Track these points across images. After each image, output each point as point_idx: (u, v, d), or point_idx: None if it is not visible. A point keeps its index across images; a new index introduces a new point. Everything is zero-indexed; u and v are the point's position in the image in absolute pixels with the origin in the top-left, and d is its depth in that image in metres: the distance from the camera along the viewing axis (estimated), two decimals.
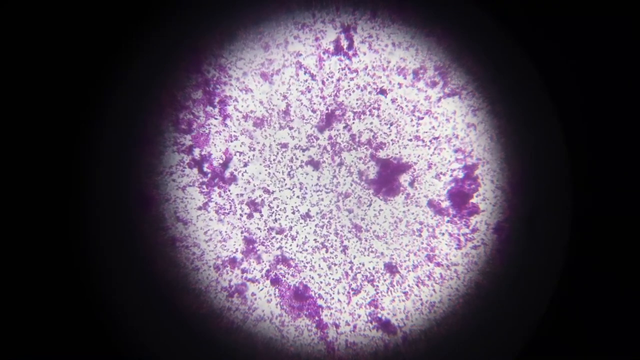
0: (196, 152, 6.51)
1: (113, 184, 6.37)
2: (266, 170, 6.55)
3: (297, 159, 6.53)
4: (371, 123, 6.48)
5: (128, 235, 6.53)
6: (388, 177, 6.47)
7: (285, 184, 6.56)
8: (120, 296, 6.57)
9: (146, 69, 6.27)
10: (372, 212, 6.55)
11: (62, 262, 6.28)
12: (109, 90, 6.11)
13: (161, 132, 6.49)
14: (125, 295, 6.56)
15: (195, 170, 6.53)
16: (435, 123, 6.40)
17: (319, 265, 6.57)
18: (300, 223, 6.53)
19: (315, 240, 6.56)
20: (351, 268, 6.57)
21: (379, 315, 6.38)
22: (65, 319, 6.06)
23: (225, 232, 6.57)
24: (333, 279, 6.56)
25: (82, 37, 6.05)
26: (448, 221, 6.43)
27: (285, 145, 6.51)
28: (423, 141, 6.40)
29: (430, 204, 6.47)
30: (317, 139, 6.52)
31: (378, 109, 6.43)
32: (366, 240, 6.54)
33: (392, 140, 6.45)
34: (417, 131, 6.40)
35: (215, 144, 6.53)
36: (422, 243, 6.48)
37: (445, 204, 6.45)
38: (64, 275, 6.29)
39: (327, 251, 6.54)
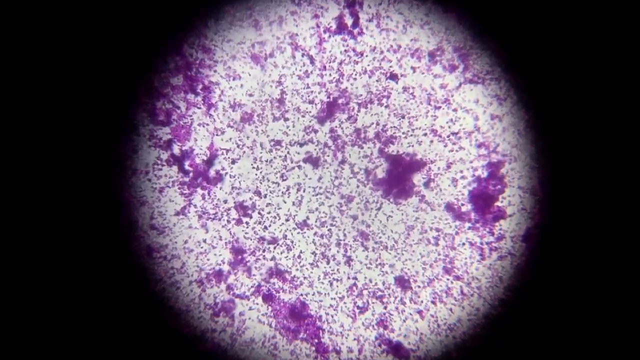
0: (176, 147, 6.70)
1: (77, 185, 6.50)
2: (257, 168, 6.66)
3: (293, 156, 6.67)
4: (380, 114, 6.61)
5: (96, 246, 6.56)
6: (399, 177, 6.60)
7: (280, 185, 6.70)
8: (88, 313, 6.63)
9: (116, 49, 6.37)
10: (380, 217, 6.68)
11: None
12: (71, 72, 6.28)
13: (135, 124, 6.67)
14: (94, 312, 6.63)
15: (174, 168, 6.72)
16: (454, 114, 6.54)
17: (319, 280, 6.74)
18: (297, 230, 6.69)
19: (314, 250, 6.72)
20: (356, 283, 6.74)
21: (389, 337, 6.57)
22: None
23: (210, 240, 6.75)
24: (335, 295, 6.74)
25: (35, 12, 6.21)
26: (469, 228, 6.60)
27: (279, 140, 6.65)
28: (440, 135, 6.53)
29: (449, 207, 6.62)
30: (317, 132, 6.65)
31: (388, 97, 6.56)
32: (374, 251, 6.69)
33: (404, 133, 6.56)
34: (433, 123, 6.52)
35: (197, 138, 6.67)
36: (439, 253, 6.62)
37: (466, 207, 6.60)
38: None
39: (328, 263, 6.71)
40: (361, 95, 6.66)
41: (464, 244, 6.70)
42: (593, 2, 6.11)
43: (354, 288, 6.82)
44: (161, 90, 6.62)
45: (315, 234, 6.85)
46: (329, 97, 6.66)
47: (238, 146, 6.81)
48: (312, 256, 6.86)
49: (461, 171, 6.66)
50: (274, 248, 6.91)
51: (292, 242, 6.90)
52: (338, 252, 6.85)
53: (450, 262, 6.71)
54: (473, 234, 6.69)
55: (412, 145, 6.69)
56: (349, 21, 6.39)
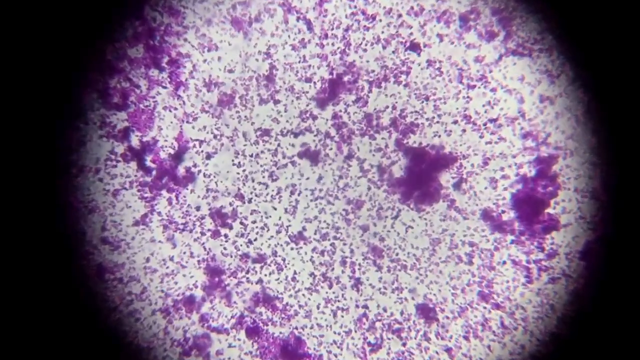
0: (134, 138, 6.37)
1: (7, 186, 6.13)
2: (239, 165, 6.40)
3: (285, 149, 6.42)
4: (397, 95, 6.21)
5: (31, 265, 6.17)
6: (422, 176, 6.27)
7: (268, 187, 6.42)
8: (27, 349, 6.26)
9: (56, 9, 6.05)
10: (398, 228, 6.36)
11: None
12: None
13: (82, 108, 6.31)
14: (31, 350, 6.22)
15: (132, 165, 6.40)
16: (492, 95, 6.17)
17: (319, 309, 6.47)
18: (291, 245, 6.47)
19: (313, 271, 6.50)
20: (367, 313, 6.43)
21: None
22: None
23: (178, 258, 6.51)
24: (340, 328, 6.47)
25: None
26: (512, 242, 6.24)
27: (267, 129, 6.37)
28: (475, 122, 6.17)
29: (486, 215, 6.24)
30: (316, 119, 6.29)
31: (407, 73, 6.17)
32: (389, 271, 6.40)
33: (428, 120, 6.20)
34: (465, 107, 6.18)
35: (162, 127, 6.37)
36: (474, 275, 6.30)
37: (509, 215, 6.22)
38: None
39: (330, 287, 6.43)
40: (373, 71, 6.31)
41: (505, 262, 6.35)
42: None
43: (364, 319, 6.45)
44: (116, 64, 6.26)
45: (314, 249, 6.52)
46: (331, 74, 6.29)
47: (215, 137, 6.45)
48: (310, 278, 6.57)
49: (502, 169, 6.28)
50: (261, 268, 6.55)
51: (284, 260, 6.55)
52: (343, 273, 6.49)
53: (488, 286, 6.36)
54: (517, 250, 6.33)
55: (439, 136, 6.32)
56: None
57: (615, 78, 6.03)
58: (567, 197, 6.20)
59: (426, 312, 6.33)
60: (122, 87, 6.30)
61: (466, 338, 6.29)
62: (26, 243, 6.14)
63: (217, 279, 6.52)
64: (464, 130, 6.27)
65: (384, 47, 6.19)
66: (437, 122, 6.29)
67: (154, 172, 6.48)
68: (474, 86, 6.21)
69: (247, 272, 6.54)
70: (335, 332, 6.42)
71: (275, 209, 6.49)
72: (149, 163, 6.46)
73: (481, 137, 6.27)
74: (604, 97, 6.07)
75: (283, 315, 6.42)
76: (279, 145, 6.42)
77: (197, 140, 6.45)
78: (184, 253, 6.54)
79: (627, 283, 6.08)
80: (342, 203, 6.47)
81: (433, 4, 6.11)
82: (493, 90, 6.20)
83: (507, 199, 6.31)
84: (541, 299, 6.26)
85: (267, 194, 6.49)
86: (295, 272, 6.55)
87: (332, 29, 6.17)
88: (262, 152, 6.44)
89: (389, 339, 6.35)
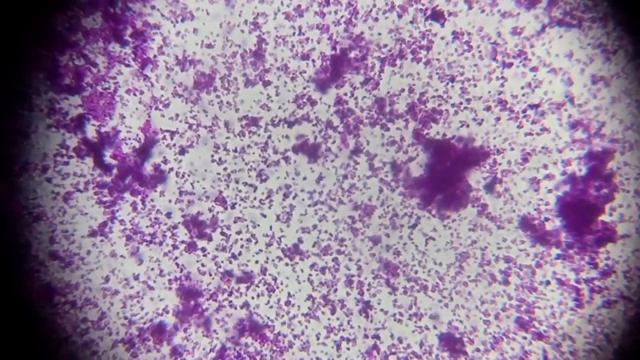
0: (90, 128, 5.99)
1: None
2: (220, 162, 6.10)
3: (277, 142, 6.15)
4: (416, 75, 5.86)
5: None
6: (446, 176, 5.97)
7: (256, 190, 6.13)
8: None
9: None
10: (416, 240, 6.07)
11: None
12: None
13: (25, 92, 5.93)
14: None
15: (88, 161, 6.02)
16: (533, 76, 5.82)
17: (319, 339, 6.13)
18: (284, 261, 6.19)
19: (311, 293, 6.19)
20: (377, 344, 6.10)
21: None
22: None
23: (145, 277, 6.20)
24: None
25: None
26: (558, 256, 5.87)
27: (255, 117, 6.05)
28: (512, 109, 5.84)
29: (526, 224, 5.89)
30: (315, 104, 5.97)
31: (428, 49, 5.81)
32: (406, 293, 6.07)
33: (453, 106, 5.87)
34: (500, 91, 5.84)
35: (125, 114, 6.03)
36: (510, 298, 5.95)
37: (553, 224, 5.88)
38: None
39: (333, 313, 6.08)
40: (385, 45, 5.94)
41: (549, 282, 6.00)
42: None
43: (375, 353, 6.08)
44: (67, 36, 5.83)
45: (312, 266, 6.16)
46: (334, 49, 5.91)
47: (190, 127, 6.09)
48: (307, 302, 6.21)
49: (545, 166, 5.94)
50: (248, 289, 6.18)
51: (275, 279, 6.20)
52: (349, 295, 6.12)
53: (528, 312, 5.97)
54: (564, 266, 5.96)
55: (467, 126, 5.97)
56: None
57: None
58: (625, 202, 5.91)
59: (451, 343, 6.02)
60: (75, 65, 5.91)
61: None
62: None
63: (192, 303, 6.18)
64: (498, 119, 5.96)
65: (399, 16, 5.85)
66: (465, 108, 5.97)
67: (114, 171, 6.13)
68: (511, 64, 5.89)
69: (230, 294, 6.18)
70: None
71: (264, 216, 6.15)
72: (108, 159, 6.11)
73: (519, 127, 5.96)
74: None
75: (274, 348, 6.10)
76: (269, 137, 6.09)
77: (168, 131, 6.09)
78: (152, 270, 6.21)
79: None
80: (347, 209, 6.14)
81: None
82: (534, 69, 5.86)
83: (551, 203, 6.02)
84: (594, 327, 5.94)
85: (255, 198, 6.12)
86: (289, 294, 6.25)
87: None
88: (248, 145, 6.10)
89: None
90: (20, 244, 6.20)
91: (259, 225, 6.27)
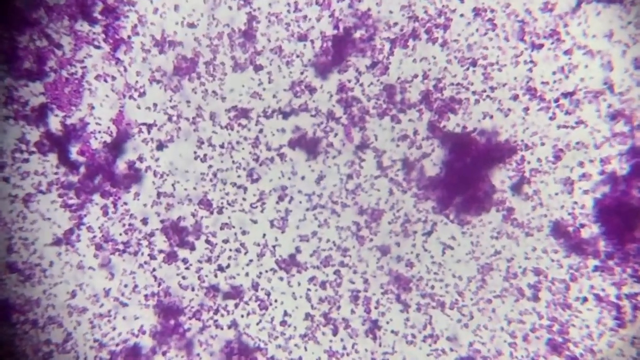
0: (54, 119, 5.66)
1: None
2: (204, 159, 5.78)
3: (270, 136, 5.82)
4: (431, 58, 5.52)
5: None
6: (467, 175, 5.62)
7: (247, 191, 5.81)
8: None
9: None
10: (432, 249, 5.74)
11: None
12: None
13: None
14: None
15: (51, 158, 5.70)
16: (567, 59, 5.44)
17: None
18: (279, 274, 5.86)
19: (309, 311, 5.83)
20: None
21: None
22: None
23: (117, 292, 5.86)
24: None
25: None
26: (596, 268, 5.51)
27: (245, 108, 5.73)
28: (542, 97, 5.50)
29: (558, 231, 5.52)
30: (314, 92, 5.65)
31: (445, 28, 5.48)
32: (419, 310, 5.70)
33: (475, 94, 5.52)
34: (529, 76, 5.50)
35: (95, 104, 5.69)
36: (540, 316, 5.59)
37: (590, 230, 5.52)
38: None
39: (335, 333, 5.72)
40: (396, 24, 5.62)
41: (585, 299, 5.61)
42: None
43: None
44: (27, 14, 5.59)
45: (311, 280, 5.82)
46: (336, 28, 5.61)
47: (170, 119, 5.75)
48: (306, 321, 5.86)
49: (580, 164, 5.58)
50: (236, 306, 5.85)
51: (268, 295, 5.86)
52: (354, 313, 5.78)
53: (561, 332, 5.60)
54: (602, 280, 5.59)
55: (491, 117, 5.60)
56: None
57: None
58: None
59: None
60: (37, 46, 5.64)
61: None
62: None
63: (172, 322, 5.91)
64: (526, 109, 5.60)
65: None
66: (488, 97, 5.62)
67: (82, 169, 5.83)
68: (541, 46, 5.55)
69: (216, 312, 5.88)
70: None
71: (256, 222, 5.86)
72: (75, 156, 5.81)
73: (551, 118, 5.60)
74: None
75: None
76: (261, 131, 5.78)
77: (144, 123, 5.81)
78: (125, 286, 5.89)
79: None
80: (351, 213, 5.87)
81: None
82: (568, 52, 5.50)
83: (588, 207, 5.68)
84: (638, 351, 5.63)
85: (245, 201, 5.82)
86: (285, 313, 5.93)
87: None
88: (237, 141, 5.81)
89: None
90: None
91: (249, 232, 5.95)
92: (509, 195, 5.82)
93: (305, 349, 5.98)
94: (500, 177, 5.81)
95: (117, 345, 5.99)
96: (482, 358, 5.91)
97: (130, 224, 5.96)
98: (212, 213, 5.93)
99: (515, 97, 5.64)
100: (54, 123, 5.83)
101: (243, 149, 5.91)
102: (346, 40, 5.80)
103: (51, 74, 5.77)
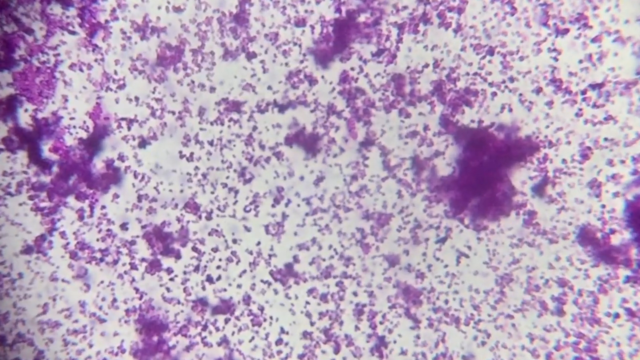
0: (23, 113, 5.45)
1: None
2: (190, 159, 5.56)
3: (264, 132, 5.62)
4: (444, 46, 5.31)
5: None
6: (484, 174, 5.39)
7: (238, 193, 5.57)
8: None
9: None
10: (445, 258, 5.56)
11: None
12: None
13: None
14: None
15: (21, 156, 5.48)
16: (595, 47, 5.22)
17: None
18: (273, 286, 5.67)
19: (308, 328, 5.55)
20: None
21: None
22: None
23: (93, 306, 5.63)
24: None
25: None
26: (628, 279, 5.35)
27: (236, 101, 5.50)
28: (568, 89, 5.26)
29: (585, 237, 5.32)
30: (314, 83, 5.50)
31: (459, 11, 5.25)
32: (431, 326, 5.55)
33: (492, 86, 5.27)
34: (553, 66, 5.24)
35: (69, 96, 5.46)
36: (566, 333, 5.32)
37: (621, 236, 5.30)
38: None
39: (337, 351, 5.55)
40: (405, 7, 5.42)
41: (617, 315, 5.35)
42: None
43: None
44: None
45: (310, 292, 5.64)
46: (338, 11, 5.42)
47: (153, 113, 5.55)
48: (303, 339, 5.62)
49: (610, 163, 5.33)
50: (227, 321, 5.64)
51: (261, 309, 5.66)
52: (358, 329, 5.57)
53: (589, 350, 5.38)
54: (635, 292, 5.35)
55: (510, 110, 5.36)
56: None
57: None
58: None
59: None
60: (4, 32, 5.54)
61: None
62: None
63: (156, 339, 5.73)
64: (550, 103, 5.35)
65: None
66: (507, 88, 5.36)
67: (55, 168, 5.70)
68: (567, 32, 5.30)
69: (205, 327, 5.68)
70: None
71: (248, 228, 5.69)
72: (47, 153, 5.68)
73: (578, 114, 5.34)
74: None
75: None
76: (254, 127, 5.60)
77: (124, 118, 5.62)
78: (103, 299, 5.67)
79: None
80: (355, 218, 5.72)
81: None
82: (596, 39, 5.25)
83: (618, 211, 5.40)
84: None
85: (237, 204, 5.67)
86: (281, 330, 5.72)
87: None
88: (229, 140, 5.67)
89: None
90: None
91: (241, 240, 5.76)
92: (531, 198, 5.55)
93: None
94: (521, 178, 5.58)
95: None
96: None
97: (108, 230, 5.77)
98: (200, 218, 5.74)
99: (538, 90, 5.38)
100: (24, 117, 5.64)
101: (234, 146, 5.72)
102: (349, 25, 5.61)
103: (20, 62, 5.59)
